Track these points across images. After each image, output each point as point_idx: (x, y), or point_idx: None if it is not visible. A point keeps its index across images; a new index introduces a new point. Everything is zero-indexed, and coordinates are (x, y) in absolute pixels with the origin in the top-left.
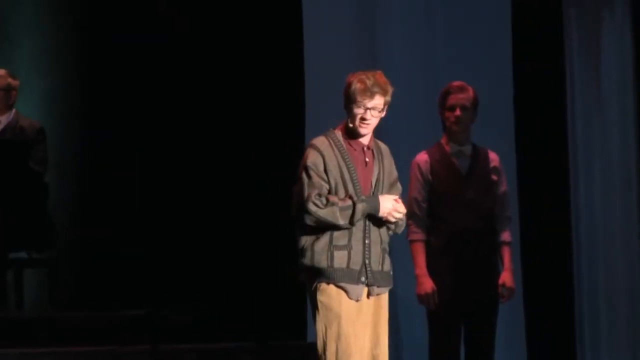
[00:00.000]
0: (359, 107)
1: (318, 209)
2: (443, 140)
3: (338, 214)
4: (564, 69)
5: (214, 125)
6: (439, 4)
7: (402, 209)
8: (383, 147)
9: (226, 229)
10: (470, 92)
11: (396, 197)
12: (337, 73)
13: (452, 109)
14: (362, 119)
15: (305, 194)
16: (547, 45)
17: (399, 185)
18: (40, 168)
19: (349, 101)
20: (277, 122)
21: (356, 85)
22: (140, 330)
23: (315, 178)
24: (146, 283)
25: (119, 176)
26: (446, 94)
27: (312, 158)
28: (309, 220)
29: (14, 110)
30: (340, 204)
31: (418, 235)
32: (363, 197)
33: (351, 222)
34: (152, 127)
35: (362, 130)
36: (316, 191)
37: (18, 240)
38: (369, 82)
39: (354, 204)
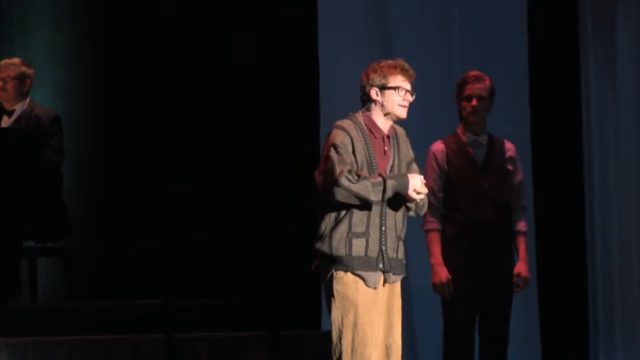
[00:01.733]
0: (401, 90)
1: (351, 184)
2: (459, 130)
3: (370, 188)
4: (579, 59)
5: (228, 117)
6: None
7: (425, 189)
8: (399, 130)
9: (240, 219)
10: (487, 82)
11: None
12: (352, 64)
13: (469, 98)
14: (404, 100)
15: (337, 170)
16: (562, 36)
17: (415, 166)
18: (56, 157)
19: (386, 87)
20: (292, 115)
21: (392, 70)
22: (154, 319)
23: (344, 155)
24: (161, 272)
25: (133, 166)
26: (463, 83)
27: (341, 138)
28: (340, 196)
29: (28, 99)
30: (372, 179)
31: (433, 224)
32: (392, 175)
33: (382, 199)
34: (167, 118)
35: (403, 113)
36: (347, 167)
37: (33, 229)
38: (403, 65)
39: (384, 180)
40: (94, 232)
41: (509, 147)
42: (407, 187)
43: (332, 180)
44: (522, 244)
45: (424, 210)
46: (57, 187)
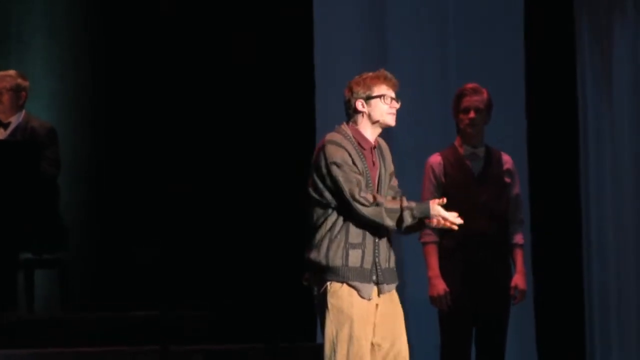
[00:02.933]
0: (387, 98)
1: (364, 208)
2: (457, 142)
3: (384, 214)
4: (576, 70)
5: (224, 126)
6: (450, 5)
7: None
8: (382, 142)
9: (235, 231)
10: (485, 94)
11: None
12: (347, 73)
13: (467, 111)
14: (391, 107)
15: (347, 191)
16: (559, 46)
17: (394, 178)
18: (52, 169)
19: (371, 97)
20: (288, 125)
21: (375, 80)
22: (150, 331)
23: (350, 173)
24: (156, 285)
25: (130, 177)
26: (460, 96)
27: (339, 154)
28: (359, 218)
29: (24, 111)
30: (387, 205)
31: (430, 237)
32: (412, 204)
33: (399, 226)
34: (164, 127)
35: (392, 121)
36: (357, 188)
37: (30, 240)
38: (386, 74)
39: (402, 209)
40: (90, 243)
41: (507, 160)
42: (429, 214)
43: (344, 203)
44: (519, 257)
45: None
46: (53, 198)
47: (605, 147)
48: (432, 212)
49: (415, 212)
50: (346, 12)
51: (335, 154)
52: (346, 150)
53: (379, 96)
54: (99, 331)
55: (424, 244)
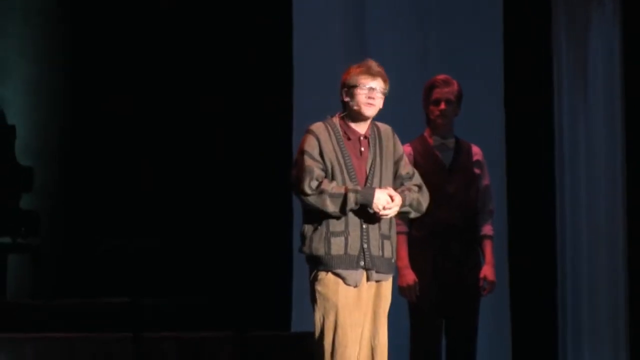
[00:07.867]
0: (362, 88)
1: (307, 196)
2: (426, 133)
3: (328, 201)
4: (552, 62)
5: (200, 121)
6: (430, 3)
7: (395, 204)
8: (383, 128)
9: (209, 220)
10: (455, 86)
11: (393, 192)
12: (326, 70)
13: (437, 102)
14: (368, 98)
15: (299, 178)
16: (537, 38)
17: (404, 162)
18: None
19: (350, 87)
20: (266, 122)
21: (356, 70)
22: (122, 318)
23: (308, 162)
24: (129, 272)
25: (103, 164)
26: (431, 87)
27: (308, 142)
28: (301, 204)
29: None
30: (331, 191)
31: (400, 227)
32: (358, 188)
33: (342, 211)
34: (138, 116)
35: (368, 111)
36: (309, 176)
37: (2, 225)
38: (368, 65)
39: (346, 193)
40: (63, 230)
41: (476, 151)
42: (371, 202)
43: (296, 189)
44: (488, 248)
45: (424, 206)
46: (26, 183)
47: (580, 139)
48: (375, 199)
49: (359, 195)
50: (326, 12)
51: (305, 142)
52: (319, 139)
53: (355, 86)
54: (72, 317)
55: None
